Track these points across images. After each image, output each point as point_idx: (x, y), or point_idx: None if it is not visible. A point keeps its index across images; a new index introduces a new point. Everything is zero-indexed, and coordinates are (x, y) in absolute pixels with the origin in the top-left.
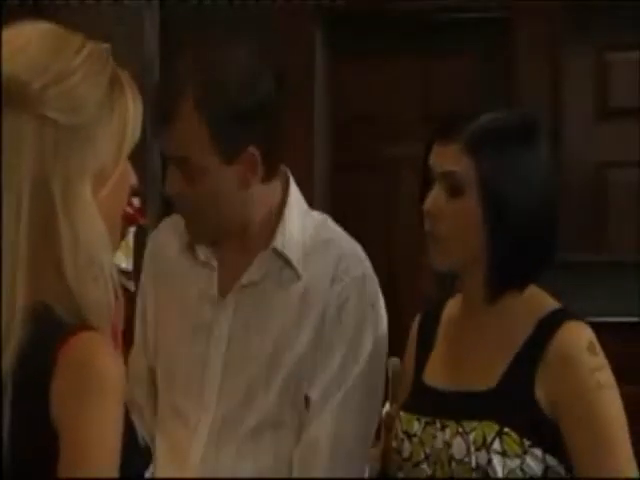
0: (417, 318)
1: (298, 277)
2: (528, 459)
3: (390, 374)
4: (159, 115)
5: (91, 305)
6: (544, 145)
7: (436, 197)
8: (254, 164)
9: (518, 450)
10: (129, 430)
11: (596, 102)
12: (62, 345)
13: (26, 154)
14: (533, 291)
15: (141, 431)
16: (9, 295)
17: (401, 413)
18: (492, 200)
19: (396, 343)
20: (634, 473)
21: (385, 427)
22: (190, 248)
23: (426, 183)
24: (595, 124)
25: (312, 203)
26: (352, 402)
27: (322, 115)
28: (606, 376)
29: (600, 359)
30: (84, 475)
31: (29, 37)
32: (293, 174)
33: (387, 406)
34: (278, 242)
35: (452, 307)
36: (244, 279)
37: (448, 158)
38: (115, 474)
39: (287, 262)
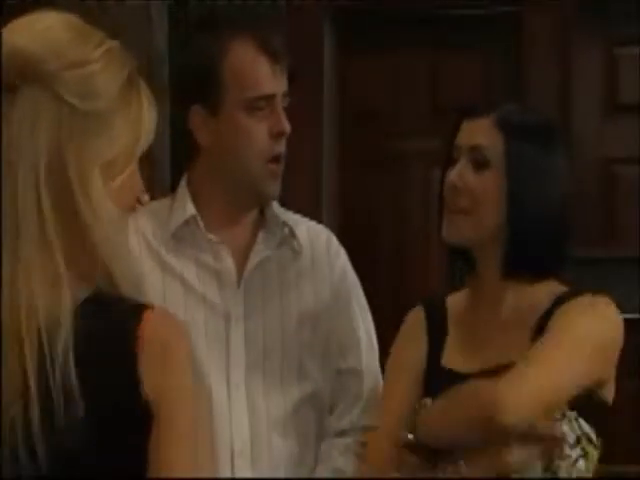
0: (418, 310)
1: (300, 247)
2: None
3: None
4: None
5: (124, 276)
6: (563, 146)
7: (462, 170)
8: None
9: None
10: None
11: (605, 98)
12: (139, 323)
13: (42, 132)
14: (553, 282)
15: None
16: (47, 260)
17: (427, 400)
18: (517, 175)
19: None
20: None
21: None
22: (194, 224)
23: (447, 167)
24: (604, 120)
25: (320, 200)
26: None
27: (330, 112)
28: (602, 310)
29: (605, 307)
30: (185, 450)
31: (51, 24)
32: (302, 171)
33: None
34: (276, 211)
35: (456, 299)
36: (255, 256)
37: (478, 132)
38: (212, 448)
39: (291, 233)
